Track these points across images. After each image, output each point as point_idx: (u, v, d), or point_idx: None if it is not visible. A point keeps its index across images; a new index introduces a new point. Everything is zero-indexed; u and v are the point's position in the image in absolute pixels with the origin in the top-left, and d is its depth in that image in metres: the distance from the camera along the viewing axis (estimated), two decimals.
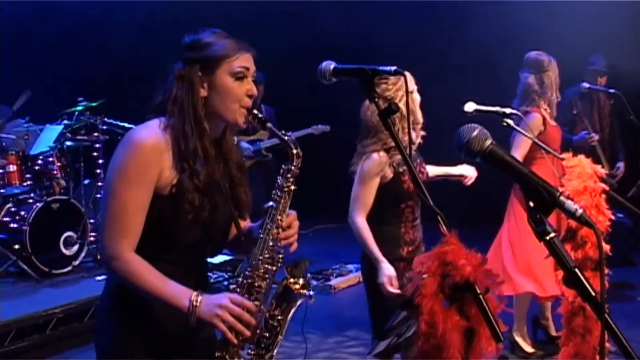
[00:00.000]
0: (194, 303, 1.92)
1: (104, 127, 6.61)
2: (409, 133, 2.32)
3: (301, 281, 2.11)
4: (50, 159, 6.44)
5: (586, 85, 5.33)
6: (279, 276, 2.15)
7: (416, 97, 3.34)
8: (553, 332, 4.83)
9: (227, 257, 6.21)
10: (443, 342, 1.71)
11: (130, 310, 2.05)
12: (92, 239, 6.27)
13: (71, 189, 6.69)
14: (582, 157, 3.27)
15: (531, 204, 1.49)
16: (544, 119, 4.50)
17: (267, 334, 2.07)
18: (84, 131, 6.82)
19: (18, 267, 5.84)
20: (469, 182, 3.64)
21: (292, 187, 2.12)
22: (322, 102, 7.86)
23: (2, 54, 7.96)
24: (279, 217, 2.09)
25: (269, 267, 2.08)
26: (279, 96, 7.88)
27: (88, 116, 6.71)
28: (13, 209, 6.07)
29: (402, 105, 2.90)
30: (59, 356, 4.94)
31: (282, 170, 2.12)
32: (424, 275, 1.74)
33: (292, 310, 2.12)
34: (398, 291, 3.16)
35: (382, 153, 3.29)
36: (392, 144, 3.23)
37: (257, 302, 2.03)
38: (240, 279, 2.08)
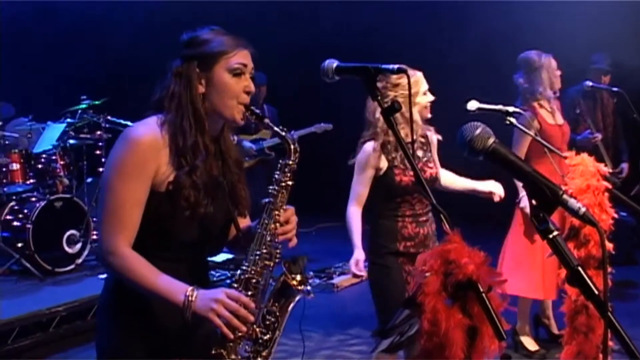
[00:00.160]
0: (190, 298, 1.92)
1: (107, 126, 6.62)
2: (412, 131, 2.32)
3: (299, 277, 2.10)
4: (53, 157, 6.45)
5: (589, 83, 5.32)
6: (277, 272, 2.14)
7: (419, 101, 3.35)
8: (555, 331, 4.83)
9: (229, 256, 6.21)
10: (446, 341, 1.71)
11: (129, 309, 2.05)
12: (95, 237, 6.27)
13: (74, 187, 6.70)
14: (585, 155, 3.26)
15: (534, 202, 1.48)
16: (540, 118, 4.49)
17: (265, 331, 2.06)
18: (86, 129, 6.83)
19: (21, 266, 5.85)
20: (497, 200, 3.61)
21: (290, 183, 2.12)
22: (324, 101, 7.87)
23: (4, 53, 7.97)
24: (277, 213, 2.09)
25: (267, 262, 2.07)
26: (281, 95, 7.89)
27: (91, 114, 6.73)
28: (16, 207, 6.08)
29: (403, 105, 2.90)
30: (62, 354, 4.95)
31: (279, 165, 2.13)
32: (427, 274, 1.74)
33: (291, 307, 2.11)
34: (362, 273, 3.33)
35: (374, 144, 3.34)
36: (388, 138, 3.30)
37: (254, 298, 2.03)
38: (237, 275, 2.07)
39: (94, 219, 6.40)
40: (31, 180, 6.35)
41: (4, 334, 4.77)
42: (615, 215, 3.14)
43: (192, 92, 2.02)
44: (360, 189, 3.41)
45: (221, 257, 6.39)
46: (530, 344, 4.73)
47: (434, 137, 3.54)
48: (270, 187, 2.11)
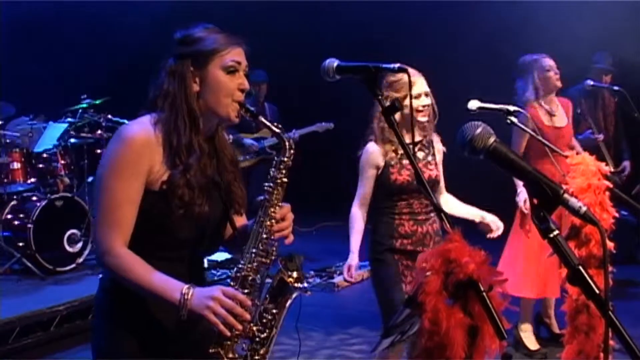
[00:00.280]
0: (186, 296, 1.91)
1: (108, 125, 6.63)
2: (412, 130, 2.33)
3: (296, 274, 2.09)
4: (54, 157, 6.46)
5: (590, 83, 5.31)
6: (274, 270, 2.13)
7: (407, 103, 3.19)
8: (556, 330, 4.83)
9: (230, 255, 6.22)
10: (446, 340, 1.71)
11: (125, 309, 2.04)
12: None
13: (75, 187, 6.71)
14: (585, 154, 3.26)
15: (535, 201, 1.48)
16: (535, 119, 4.47)
17: (262, 329, 2.05)
18: (87, 129, 6.84)
19: (22, 265, 5.85)
20: (494, 236, 3.49)
21: (285, 179, 2.11)
22: (325, 100, 7.86)
23: (5, 52, 7.98)
24: (273, 210, 2.08)
25: (263, 260, 2.06)
26: (282, 94, 7.89)
27: (92, 114, 6.73)
28: (17, 207, 6.08)
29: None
30: (63, 353, 4.95)
31: (274, 162, 2.12)
32: (428, 273, 1.74)
33: (288, 304, 2.10)
34: (352, 280, 3.45)
35: (374, 144, 3.40)
36: (388, 137, 3.32)
37: (251, 296, 2.02)
38: (233, 273, 2.06)
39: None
40: (32, 180, 6.36)
41: (5, 333, 4.77)
42: (616, 215, 3.14)
43: (186, 91, 2.01)
44: (363, 189, 3.47)
45: (222, 257, 6.40)
46: (531, 342, 4.73)
47: (440, 146, 3.53)
48: (266, 184, 2.10)
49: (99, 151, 6.72)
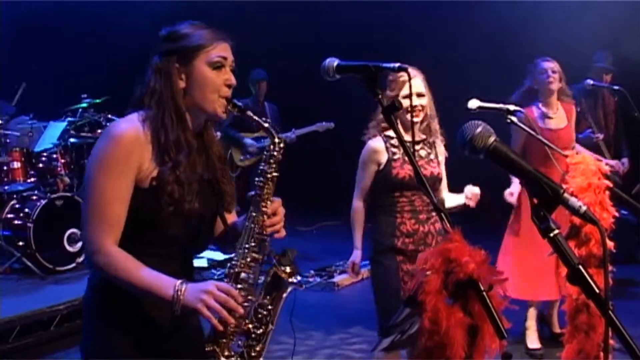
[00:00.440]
0: (179, 291, 1.90)
1: (108, 124, 6.62)
2: (412, 128, 2.33)
3: (289, 268, 2.08)
4: (54, 156, 6.46)
5: (590, 82, 5.31)
6: (267, 266, 2.12)
7: (406, 103, 3.18)
8: (556, 330, 4.83)
9: (231, 255, 6.21)
10: (446, 339, 1.71)
11: (115, 308, 2.02)
12: None
13: (75, 186, 6.70)
14: (586, 154, 3.26)
15: (535, 201, 1.48)
16: (532, 120, 4.46)
17: (258, 325, 2.04)
18: (87, 128, 6.84)
19: (22, 264, 5.85)
20: (471, 203, 3.45)
21: (275, 174, 2.10)
22: (325, 100, 7.86)
23: (5, 52, 7.97)
24: (264, 205, 2.07)
25: (256, 255, 2.05)
26: (282, 93, 7.88)
27: (92, 113, 6.74)
28: (17, 206, 6.08)
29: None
30: (63, 353, 4.95)
31: (264, 157, 2.11)
32: (428, 272, 1.74)
33: (282, 299, 2.09)
34: (357, 277, 3.52)
35: (377, 138, 3.41)
36: (390, 134, 3.33)
37: (245, 292, 2.01)
38: (227, 269, 2.05)
39: None
40: (32, 179, 6.36)
41: (5, 332, 4.77)
42: (616, 214, 3.15)
43: (173, 88, 2.00)
44: (363, 182, 3.47)
45: (222, 256, 6.40)
46: (531, 341, 4.73)
47: (442, 149, 3.52)
48: (257, 179, 2.10)
49: None
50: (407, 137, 3.18)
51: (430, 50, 7.97)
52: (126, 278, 1.93)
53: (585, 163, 3.19)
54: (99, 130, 6.68)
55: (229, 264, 2.06)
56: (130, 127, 1.97)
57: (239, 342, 2.03)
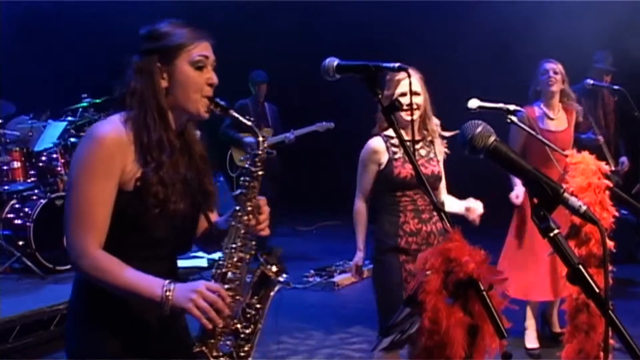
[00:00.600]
0: (167, 291, 1.89)
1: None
2: (412, 127, 2.33)
3: (276, 267, 2.09)
4: (54, 156, 6.46)
5: (590, 82, 5.31)
6: (254, 265, 2.12)
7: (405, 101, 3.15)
8: (556, 329, 4.83)
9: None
10: (446, 339, 1.71)
11: (102, 311, 2.00)
12: None
13: None
14: (586, 154, 3.26)
15: (535, 200, 1.48)
16: (531, 120, 4.46)
17: (247, 324, 2.05)
18: (87, 128, 6.84)
19: (22, 264, 5.86)
20: (473, 217, 3.41)
21: (260, 173, 2.09)
22: (325, 100, 7.87)
23: (5, 52, 7.97)
24: (250, 204, 2.06)
25: (243, 255, 2.05)
26: (282, 95, 7.89)
27: (92, 113, 6.74)
28: (17, 206, 6.08)
29: None
30: (63, 352, 4.94)
31: (249, 156, 2.10)
32: (428, 272, 1.74)
33: (270, 298, 2.10)
34: (358, 279, 3.43)
35: (376, 138, 3.40)
36: (391, 133, 3.32)
37: (233, 292, 2.01)
38: (214, 269, 2.05)
39: None
40: (32, 179, 6.36)
41: (5, 332, 4.77)
42: (616, 214, 3.15)
43: (155, 87, 1.98)
44: (364, 183, 3.46)
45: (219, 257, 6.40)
46: (530, 340, 4.73)
47: (441, 147, 3.51)
48: (242, 178, 2.09)
49: None
50: (406, 137, 3.18)
51: (430, 50, 7.98)
52: (112, 281, 1.91)
53: (585, 163, 3.19)
54: None
55: (216, 264, 2.05)
56: (113, 129, 1.95)
57: (228, 342, 2.03)
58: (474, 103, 3.49)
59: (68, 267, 6.00)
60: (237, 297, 2.02)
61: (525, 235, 4.59)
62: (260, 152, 2.09)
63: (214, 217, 2.21)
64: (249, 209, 2.06)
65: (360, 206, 3.49)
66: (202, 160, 2.14)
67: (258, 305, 2.07)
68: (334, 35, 8.60)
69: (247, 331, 2.05)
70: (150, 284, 1.91)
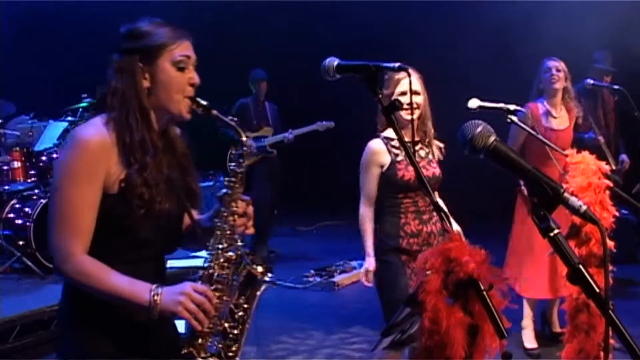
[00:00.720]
0: (155, 296, 1.88)
1: None
2: (412, 128, 2.32)
3: (262, 267, 2.09)
4: (54, 156, 6.45)
5: (590, 82, 5.31)
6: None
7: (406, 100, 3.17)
8: (556, 329, 4.83)
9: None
10: (447, 339, 1.71)
11: (89, 317, 1.99)
12: None
13: None
14: (586, 153, 3.26)
15: (535, 200, 1.48)
16: (534, 118, 4.48)
17: (235, 324, 2.05)
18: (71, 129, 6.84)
19: (22, 264, 5.85)
20: None
21: (244, 173, 2.09)
22: (325, 100, 7.87)
23: (5, 52, 7.97)
24: (234, 204, 2.06)
25: (229, 255, 2.05)
26: (282, 94, 7.89)
27: (92, 113, 6.72)
28: (17, 206, 6.08)
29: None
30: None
31: (231, 156, 2.10)
32: (428, 272, 1.74)
33: (257, 297, 2.10)
34: (370, 284, 3.36)
35: (376, 140, 3.38)
36: (392, 135, 3.31)
37: (220, 292, 2.01)
38: (201, 270, 2.04)
39: None
40: (32, 179, 6.35)
41: (6, 332, 4.77)
42: (617, 213, 3.15)
43: (136, 87, 1.96)
44: (369, 187, 3.42)
45: None
46: (528, 340, 4.72)
47: (437, 151, 3.50)
48: (227, 179, 2.08)
49: None
50: (405, 137, 3.17)
51: (430, 50, 7.98)
52: (98, 286, 1.90)
53: (585, 163, 3.19)
54: None
55: (202, 265, 2.05)
56: (96, 132, 1.93)
57: (215, 343, 2.03)
58: (474, 103, 3.49)
59: None
60: (225, 298, 2.03)
61: (524, 233, 4.59)
62: (243, 152, 2.09)
63: (196, 214, 2.19)
64: (234, 209, 2.05)
65: (366, 211, 3.45)
66: (184, 158, 2.13)
67: (245, 305, 2.07)
68: (334, 35, 8.60)
69: (235, 331, 2.05)
70: (138, 289, 1.90)
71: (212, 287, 2.00)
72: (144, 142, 1.96)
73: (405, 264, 3.33)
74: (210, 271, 2.03)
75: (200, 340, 2.00)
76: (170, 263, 5.39)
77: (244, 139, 2.10)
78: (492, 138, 1.53)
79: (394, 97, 3.26)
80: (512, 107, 3.51)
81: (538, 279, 4.53)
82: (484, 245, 1.75)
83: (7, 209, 6.01)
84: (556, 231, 1.45)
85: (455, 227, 3.32)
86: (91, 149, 1.90)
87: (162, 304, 1.88)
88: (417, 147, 3.39)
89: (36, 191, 6.30)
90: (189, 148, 2.17)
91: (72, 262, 1.90)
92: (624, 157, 6.01)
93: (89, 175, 1.90)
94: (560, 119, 4.64)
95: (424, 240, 3.36)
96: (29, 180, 6.34)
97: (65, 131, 6.55)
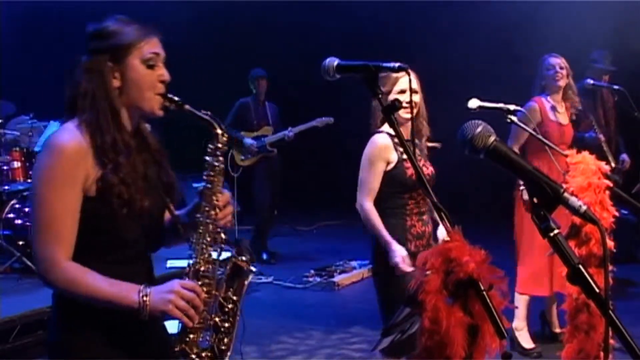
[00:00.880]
0: (144, 297, 1.87)
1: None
2: (412, 127, 2.32)
3: (246, 257, 2.12)
4: None
5: (590, 82, 5.32)
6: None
7: (390, 99, 3.13)
8: (556, 329, 4.83)
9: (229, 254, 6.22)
10: (447, 339, 1.71)
11: (79, 321, 1.98)
12: None
13: None
14: (586, 153, 3.26)
15: (535, 200, 1.48)
16: (543, 111, 4.52)
17: (225, 318, 2.06)
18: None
19: (22, 264, 5.85)
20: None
21: (222, 166, 2.10)
22: (325, 100, 7.87)
23: (5, 52, 7.98)
24: (215, 198, 2.06)
25: (213, 249, 2.06)
26: (282, 94, 7.89)
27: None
28: (17, 206, 6.08)
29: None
30: None
31: (209, 150, 2.09)
32: (428, 272, 1.74)
33: (245, 287, 2.12)
34: (411, 268, 3.05)
35: (383, 135, 3.29)
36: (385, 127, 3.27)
37: (207, 287, 2.02)
38: (187, 266, 2.05)
39: None
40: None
41: (6, 331, 4.77)
42: (616, 213, 3.14)
43: (106, 87, 1.95)
44: (374, 183, 3.27)
45: (223, 256, 6.40)
46: (526, 341, 4.72)
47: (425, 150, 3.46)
48: (205, 173, 2.08)
49: None
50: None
51: (431, 50, 7.99)
52: (85, 292, 1.89)
53: (585, 163, 3.19)
54: None
55: (188, 262, 2.06)
56: (71, 137, 1.91)
57: (207, 338, 2.05)
58: (474, 103, 3.49)
59: None
60: (213, 292, 2.04)
61: (524, 231, 4.59)
62: (220, 146, 2.09)
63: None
64: (215, 202, 2.06)
65: (369, 206, 3.26)
66: (159, 154, 2.12)
67: (234, 298, 2.09)
68: (334, 35, 8.60)
69: (226, 324, 2.07)
70: (126, 291, 1.89)
71: (200, 283, 2.00)
72: (116, 142, 1.95)
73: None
74: (197, 266, 2.04)
75: (191, 337, 2.01)
76: (170, 263, 5.40)
77: (219, 131, 2.09)
78: (492, 138, 1.53)
79: (392, 95, 3.22)
80: (512, 107, 3.51)
81: (536, 275, 4.54)
82: (484, 245, 1.75)
83: (7, 209, 6.01)
84: (556, 231, 1.45)
85: (441, 233, 3.24)
86: (68, 154, 1.89)
87: (152, 304, 1.88)
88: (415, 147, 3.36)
89: None
90: (161, 144, 2.16)
91: (57, 271, 1.89)
92: (624, 156, 6.01)
93: (68, 180, 1.89)
94: (564, 115, 4.68)
95: (426, 241, 3.30)
96: (29, 181, 6.33)
97: None
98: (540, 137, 3.76)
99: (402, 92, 3.22)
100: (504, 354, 1.63)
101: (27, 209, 5.97)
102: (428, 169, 3.38)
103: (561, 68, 4.59)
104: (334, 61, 1.98)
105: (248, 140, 7.19)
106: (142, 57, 1.98)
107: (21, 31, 8.80)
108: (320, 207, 9.49)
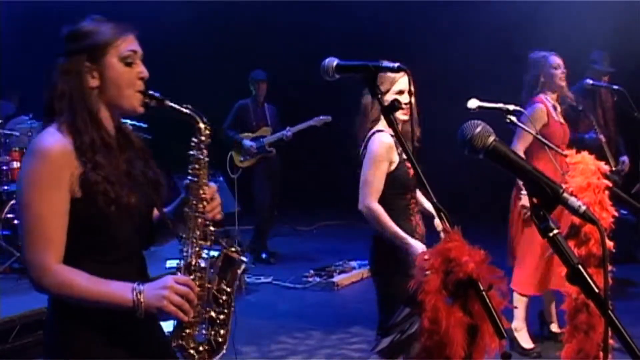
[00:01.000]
0: (138, 294, 1.87)
1: None
2: (412, 127, 2.32)
3: (236, 248, 2.14)
4: None
5: (590, 82, 5.32)
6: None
7: (387, 98, 3.10)
8: (555, 329, 4.83)
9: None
10: (446, 339, 1.71)
11: (75, 323, 1.98)
12: None
13: None
14: (585, 153, 3.27)
15: (534, 200, 1.48)
16: (549, 111, 4.53)
17: (220, 309, 2.07)
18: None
19: (22, 264, 5.85)
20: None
21: (207, 159, 2.09)
22: (325, 100, 7.87)
23: (5, 51, 7.97)
24: (202, 191, 2.07)
25: (203, 242, 2.06)
26: (282, 94, 7.89)
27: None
28: (17, 206, 6.07)
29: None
30: None
31: (194, 144, 2.09)
32: (427, 272, 1.74)
33: (237, 277, 2.13)
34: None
35: (385, 134, 3.25)
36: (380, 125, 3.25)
37: (200, 281, 2.03)
38: (179, 261, 2.05)
39: None
40: None
41: (5, 332, 4.77)
42: (616, 213, 3.15)
43: (83, 88, 1.95)
44: (379, 183, 3.21)
45: (216, 252, 6.41)
46: (525, 341, 4.72)
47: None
48: (190, 167, 2.08)
49: None
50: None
51: (430, 50, 7.99)
52: (79, 294, 1.88)
53: (584, 163, 3.19)
54: None
55: (180, 256, 2.06)
56: (56, 140, 1.90)
57: (203, 331, 2.05)
58: (473, 103, 3.50)
59: None
60: (206, 285, 2.05)
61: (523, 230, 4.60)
62: (204, 139, 2.09)
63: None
64: (202, 196, 2.06)
65: (377, 206, 3.18)
66: (142, 151, 2.12)
67: (228, 289, 2.10)
68: (334, 35, 8.61)
69: (222, 316, 2.08)
70: (120, 291, 1.89)
71: (192, 277, 2.01)
72: (94, 142, 1.94)
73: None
74: (189, 260, 2.04)
75: (187, 331, 2.02)
76: (170, 263, 5.39)
77: (202, 125, 2.09)
78: (492, 138, 1.54)
79: (390, 95, 3.20)
80: (511, 107, 3.52)
81: (533, 275, 4.54)
82: (484, 245, 1.75)
83: (6, 209, 6.02)
84: (555, 231, 1.45)
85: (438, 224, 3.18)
86: (53, 157, 1.88)
87: (146, 301, 1.88)
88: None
89: None
90: (143, 141, 2.16)
91: (48, 275, 1.88)
92: (624, 158, 6.02)
93: (54, 183, 1.88)
94: (560, 114, 4.68)
95: (426, 240, 3.27)
96: None
97: None
98: (541, 137, 3.76)
99: (401, 92, 3.21)
100: (504, 354, 1.63)
101: None
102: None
103: (564, 68, 4.61)
104: (334, 61, 1.98)
105: (247, 142, 7.20)
106: (119, 55, 1.98)
107: (21, 31, 8.79)
108: (320, 207, 9.50)
